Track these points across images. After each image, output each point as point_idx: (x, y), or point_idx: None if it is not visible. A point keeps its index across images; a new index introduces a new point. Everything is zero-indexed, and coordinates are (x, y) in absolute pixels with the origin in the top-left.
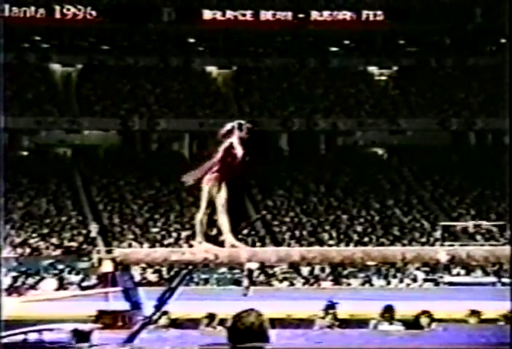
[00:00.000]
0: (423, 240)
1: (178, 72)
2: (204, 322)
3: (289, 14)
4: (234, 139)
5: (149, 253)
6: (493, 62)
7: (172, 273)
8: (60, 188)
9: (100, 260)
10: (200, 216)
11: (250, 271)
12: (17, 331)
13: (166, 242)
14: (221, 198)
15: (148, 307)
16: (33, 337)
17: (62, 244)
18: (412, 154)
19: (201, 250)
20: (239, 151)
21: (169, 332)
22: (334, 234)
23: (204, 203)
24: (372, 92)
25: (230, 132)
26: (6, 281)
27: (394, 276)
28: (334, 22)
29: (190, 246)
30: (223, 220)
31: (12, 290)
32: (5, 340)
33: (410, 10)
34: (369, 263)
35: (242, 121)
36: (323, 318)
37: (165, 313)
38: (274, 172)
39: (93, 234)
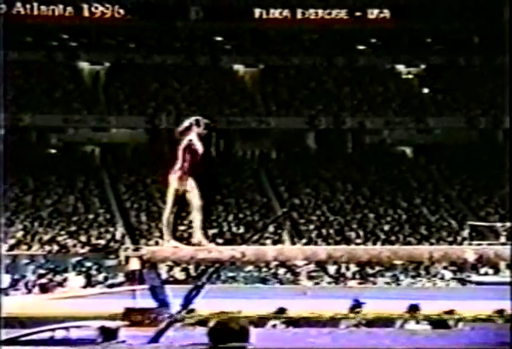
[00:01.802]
0: (451, 239)
1: (205, 70)
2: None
3: (319, 12)
4: (193, 136)
5: (176, 251)
6: None
7: (199, 271)
8: (87, 186)
9: (127, 258)
10: (166, 215)
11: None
12: (44, 328)
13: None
14: (194, 195)
15: (174, 305)
16: (60, 334)
17: (90, 242)
18: (439, 153)
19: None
20: (199, 147)
21: (196, 330)
22: (361, 233)
23: (170, 203)
24: (400, 91)
25: (188, 129)
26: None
27: (421, 275)
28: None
29: (217, 244)
30: (196, 217)
31: (40, 287)
32: (33, 337)
33: (438, 9)
34: (396, 262)
35: (199, 117)
36: (349, 317)
37: (192, 310)
38: (301, 171)
39: (118, 234)
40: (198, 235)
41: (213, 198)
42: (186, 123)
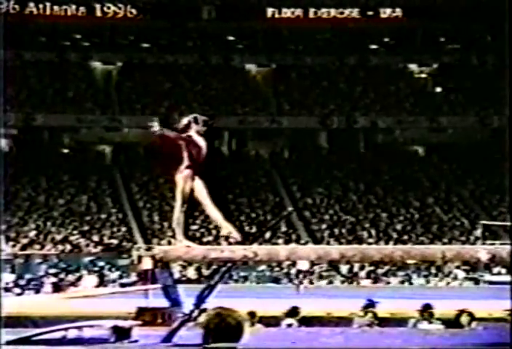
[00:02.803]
0: (463, 238)
1: (218, 70)
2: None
3: (332, 11)
4: (192, 133)
5: (188, 250)
6: None
7: (211, 271)
8: (100, 186)
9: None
10: (177, 215)
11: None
12: (57, 327)
13: (205, 239)
14: (202, 192)
15: (187, 305)
16: (73, 333)
17: (103, 241)
18: (452, 152)
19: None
20: (200, 144)
21: None
22: (373, 232)
23: (178, 202)
24: (412, 90)
25: (187, 127)
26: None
27: (434, 275)
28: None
29: (230, 243)
30: (212, 213)
31: (53, 287)
32: (46, 336)
33: (450, 7)
34: (409, 261)
35: (197, 115)
36: (362, 316)
37: (204, 310)
38: (313, 170)
39: (131, 233)
40: (225, 228)
41: (220, 194)
42: (184, 121)
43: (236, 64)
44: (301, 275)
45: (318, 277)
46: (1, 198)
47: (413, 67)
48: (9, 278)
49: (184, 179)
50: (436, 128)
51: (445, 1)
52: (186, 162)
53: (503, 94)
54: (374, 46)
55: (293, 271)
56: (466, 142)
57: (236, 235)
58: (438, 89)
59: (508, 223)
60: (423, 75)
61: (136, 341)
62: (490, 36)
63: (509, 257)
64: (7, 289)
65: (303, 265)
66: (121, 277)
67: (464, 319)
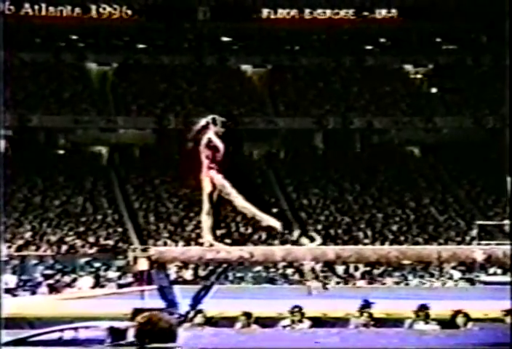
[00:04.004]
0: (459, 239)
1: (213, 71)
2: (240, 320)
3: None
4: (211, 134)
5: (184, 251)
6: None
7: (207, 272)
8: (96, 187)
9: (136, 258)
10: (205, 217)
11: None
12: (53, 328)
13: (201, 240)
14: (230, 191)
15: (183, 306)
16: (69, 334)
17: (98, 242)
18: (447, 152)
19: (231, 250)
20: (219, 144)
21: (205, 330)
22: (369, 233)
23: (207, 205)
24: (408, 90)
25: (205, 128)
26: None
27: (430, 275)
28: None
29: (225, 244)
30: (248, 208)
31: (49, 288)
32: (42, 337)
33: (445, 8)
34: (405, 262)
35: (216, 116)
36: (358, 317)
37: (200, 311)
38: (309, 171)
39: (127, 234)
40: (265, 220)
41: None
42: (203, 122)
43: (232, 65)
44: (311, 275)
45: (314, 278)
46: (1, 199)
47: (409, 67)
48: (11, 279)
49: (207, 181)
50: (432, 128)
51: (441, 2)
52: (206, 164)
53: (499, 94)
54: (369, 47)
55: (289, 272)
56: (461, 143)
57: (276, 224)
58: (434, 90)
59: (504, 223)
60: (419, 76)
61: (132, 342)
62: (486, 37)
63: (504, 257)
64: (8, 290)
65: (309, 265)
66: (117, 278)
67: (460, 320)
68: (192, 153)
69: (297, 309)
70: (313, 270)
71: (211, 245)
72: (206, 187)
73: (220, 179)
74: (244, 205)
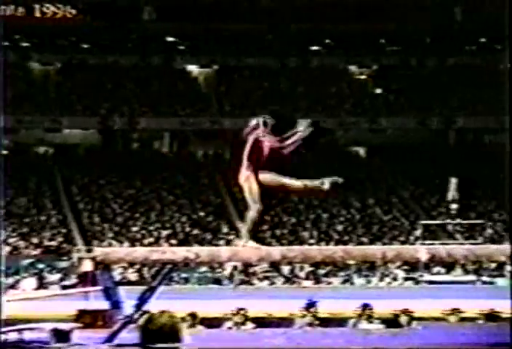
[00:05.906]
0: (403, 239)
1: (159, 71)
2: (185, 321)
3: None
4: (259, 135)
5: (129, 252)
6: (473, 62)
7: (153, 273)
8: (40, 187)
9: (80, 259)
10: (253, 218)
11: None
12: None
13: (146, 241)
14: (275, 177)
15: (128, 307)
16: (13, 336)
17: (42, 243)
18: (392, 153)
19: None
20: (266, 147)
21: None
22: (314, 233)
23: (251, 204)
24: (353, 91)
25: (255, 129)
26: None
27: (374, 275)
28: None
29: (171, 245)
30: (299, 182)
31: None
32: None
33: (390, 10)
34: (350, 262)
35: (268, 117)
36: (303, 316)
37: (145, 312)
38: None
39: (71, 235)
40: (316, 185)
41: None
42: (253, 122)
43: (177, 65)
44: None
45: (259, 278)
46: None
47: (353, 68)
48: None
49: (246, 182)
50: (377, 129)
51: (385, 3)
52: (247, 165)
53: (443, 95)
54: (315, 48)
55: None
56: (406, 143)
57: (326, 185)
58: (378, 91)
59: (446, 222)
60: (363, 77)
61: (76, 344)
62: (429, 38)
63: (448, 256)
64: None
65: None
66: (61, 279)
67: (403, 319)
68: (243, 153)
69: (240, 311)
70: (235, 268)
71: (256, 247)
72: (244, 188)
73: (258, 175)
74: (294, 181)
